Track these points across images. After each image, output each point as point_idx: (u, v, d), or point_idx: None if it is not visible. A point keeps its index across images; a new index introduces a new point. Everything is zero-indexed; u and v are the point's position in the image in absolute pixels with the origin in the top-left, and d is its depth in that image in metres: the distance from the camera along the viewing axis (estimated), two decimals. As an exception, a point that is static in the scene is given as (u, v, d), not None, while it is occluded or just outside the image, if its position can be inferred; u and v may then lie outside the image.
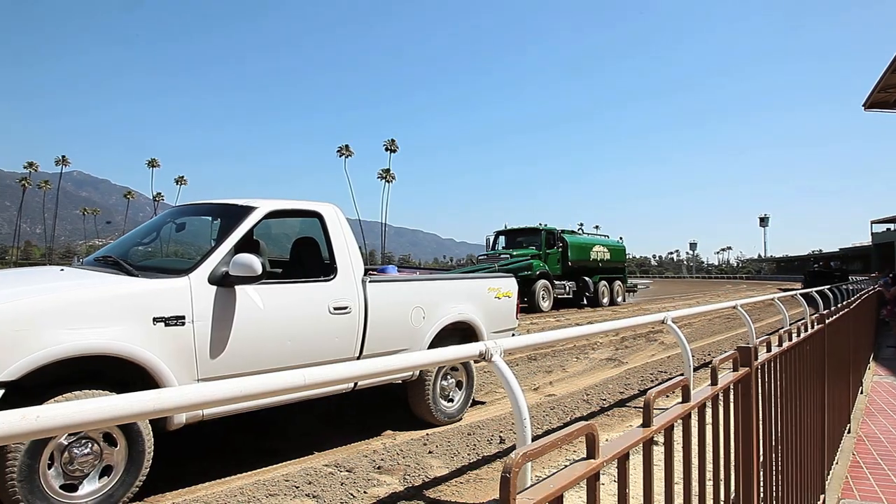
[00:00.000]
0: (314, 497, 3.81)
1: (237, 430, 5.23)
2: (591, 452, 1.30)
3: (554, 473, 1.18)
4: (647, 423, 1.57)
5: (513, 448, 4.82)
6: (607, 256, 26.94)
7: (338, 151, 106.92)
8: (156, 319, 3.54)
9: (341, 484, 4.03)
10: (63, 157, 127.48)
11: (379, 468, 4.37)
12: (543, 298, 21.79)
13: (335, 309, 4.48)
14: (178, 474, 4.11)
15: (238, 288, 3.94)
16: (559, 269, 23.65)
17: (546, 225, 24.60)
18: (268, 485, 3.96)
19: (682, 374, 7.88)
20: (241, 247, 4.12)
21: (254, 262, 3.79)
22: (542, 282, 21.71)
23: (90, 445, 3.34)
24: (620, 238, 29.98)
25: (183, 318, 3.65)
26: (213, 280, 3.84)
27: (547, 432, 5.39)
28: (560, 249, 23.89)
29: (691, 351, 6.72)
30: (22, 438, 1.98)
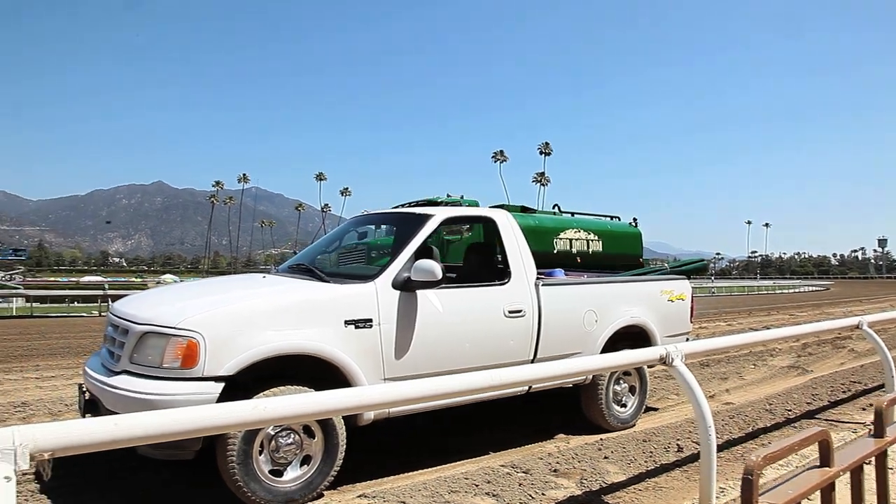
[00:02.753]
0: (494, 496, 3.89)
1: (415, 429, 5.46)
2: (826, 460, 1.24)
3: (789, 479, 1.15)
4: (879, 434, 1.47)
5: (692, 457, 4.64)
6: (597, 247, 20.58)
7: (493, 157, 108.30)
8: (347, 322, 3.80)
9: (519, 485, 4.08)
10: (244, 175, 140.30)
11: (555, 471, 4.37)
12: None
13: (510, 312, 4.56)
14: (366, 467, 4.37)
15: (419, 292, 4.13)
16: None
17: (455, 196, 18.52)
18: (449, 482, 4.10)
19: (881, 386, 7.17)
20: (419, 253, 4.32)
21: (434, 268, 3.97)
22: None
23: (293, 436, 3.65)
24: (633, 221, 23.71)
25: (370, 320, 3.89)
26: (396, 285, 4.06)
27: (728, 442, 5.13)
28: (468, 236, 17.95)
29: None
30: (254, 426, 2.25)
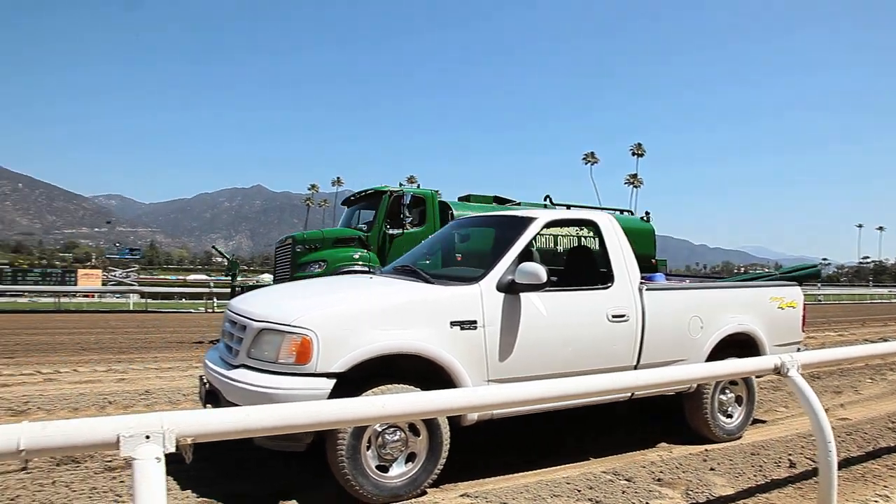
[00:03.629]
0: (597, 502, 3.85)
1: (515, 431, 5.47)
2: None
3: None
4: None
5: (806, 474, 4.43)
6: (594, 245, 11.01)
7: (583, 159, 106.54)
8: (453, 323, 3.87)
9: (622, 492, 4.02)
10: (338, 178, 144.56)
11: (659, 480, 4.28)
12: None
13: (613, 317, 4.50)
14: (468, 467, 4.42)
15: (522, 295, 4.15)
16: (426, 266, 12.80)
17: (412, 188, 13.47)
18: (550, 486, 4.09)
19: None
20: (522, 256, 4.34)
21: (539, 271, 3.97)
22: None
23: (399, 433, 3.74)
24: (646, 215, 15.83)
25: (475, 322, 3.94)
26: (500, 287, 4.09)
27: (847, 461, 4.84)
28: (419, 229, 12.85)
29: None
30: (376, 422, 2.35)
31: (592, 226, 4.84)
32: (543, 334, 4.21)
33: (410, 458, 3.81)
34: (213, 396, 3.97)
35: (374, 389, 3.65)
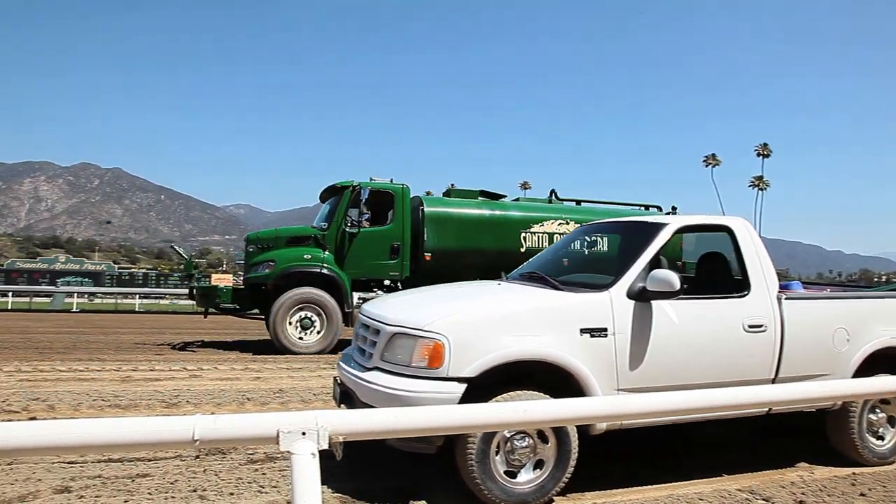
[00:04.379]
0: (735, 521, 3.70)
1: (643, 442, 5.33)
2: None
3: None
4: None
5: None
6: (602, 246, 9.30)
7: (704, 161, 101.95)
8: (583, 331, 3.84)
9: (762, 512, 3.83)
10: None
11: (801, 503, 4.03)
12: (305, 329, 11.26)
13: (749, 327, 4.30)
14: (596, 477, 4.35)
15: (654, 303, 4.05)
16: (394, 270, 11.89)
17: (383, 181, 12.24)
18: (681, 501, 3.96)
19: None
20: (652, 263, 4.24)
21: (672, 278, 3.87)
22: (298, 292, 11.18)
23: (527, 440, 3.75)
24: (672, 211, 13.26)
25: (605, 330, 3.89)
26: (631, 295, 4.02)
27: None
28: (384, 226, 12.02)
29: None
30: (516, 427, 2.40)
31: (727, 231, 4.65)
32: (675, 344, 4.10)
33: (538, 464, 3.81)
34: (347, 397, 4.15)
35: (503, 395, 3.68)
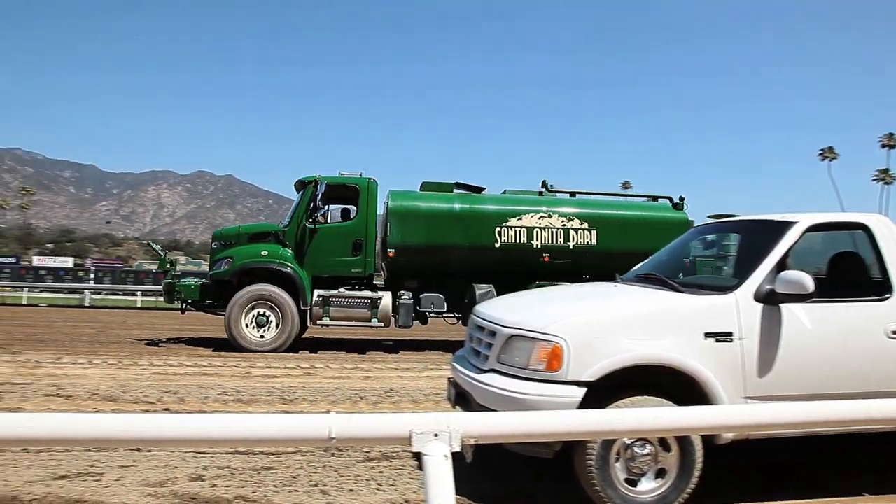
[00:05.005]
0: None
1: (773, 453, 5.04)
2: None
3: None
4: None
5: None
6: (587, 240, 11.91)
7: (819, 154, 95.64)
8: (707, 335, 3.67)
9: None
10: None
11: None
12: (261, 327, 11.13)
13: (893, 333, 3.98)
14: (721, 488, 4.15)
15: (783, 306, 3.82)
16: (356, 267, 11.55)
17: (353, 174, 12.11)
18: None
19: None
20: (780, 264, 4.00)
21: (805, 280, 3.63)
22: (253, 289, 11.09)
23: (648, 447, 3.62)
24: (679, 202, 12.54)
25: (731, 334, 3.70)
26: (758, 297, 3.80)
27: None
28: (346, 221, 11.93)
29: None
30: (644, 435, 2.34)
31: (863, 229, 4.32)
32: (808, 350, 3.84)
33: (660, 473, 3.67)
34: (463, 398, 4.16)
35: (623, 401, 3.58)
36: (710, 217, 12.26)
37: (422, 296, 11.61)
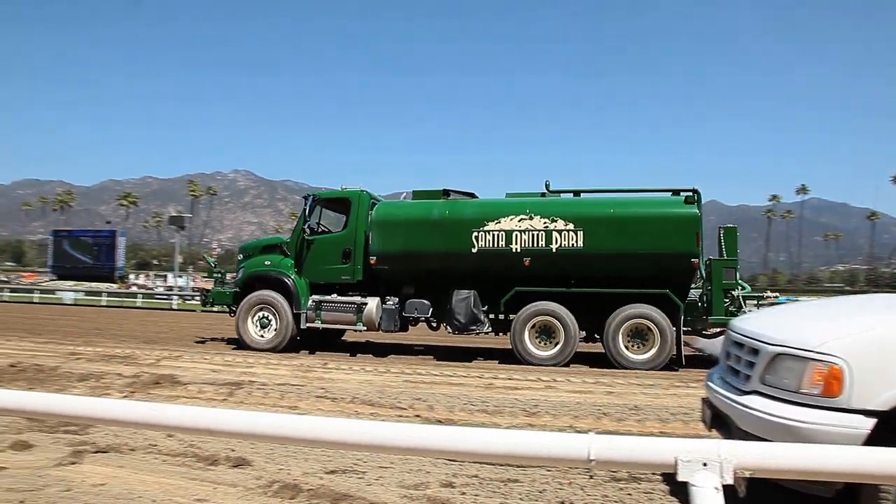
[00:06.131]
0: None
1: None
2: None
3: None
4: None
5: None
6: (573, 242, 11.01)
7: None
8: None
9: None
10: (802, 186, 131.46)
11: None
12: (264, 328, 12.48)
13: None
14: None
15: None
16: (346, 274, 12.43)
17: (346, 188, 13.23)
18: None
19: None
20: None
21: None
22: (255, 295, 12.56)
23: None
24: (692, 195, 10.99)
25: None
26: None
27: None
28: (338, 232, 12.86)
29: None
30: None
31: None
32: None
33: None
34: (720, 422, 3.83)
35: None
36: None
37: (407, 301, 12.14)
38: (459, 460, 4.69)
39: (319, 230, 12.90)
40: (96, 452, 4.82)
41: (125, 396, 7.02)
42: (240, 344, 12.68)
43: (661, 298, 10.74)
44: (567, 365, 10.97)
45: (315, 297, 12.41)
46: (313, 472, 4.46)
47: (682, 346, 10.98)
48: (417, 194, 12.97)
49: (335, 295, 12.37)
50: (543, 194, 12.21)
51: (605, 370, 10.43)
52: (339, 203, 13.00)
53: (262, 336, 12.50)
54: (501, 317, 11.94)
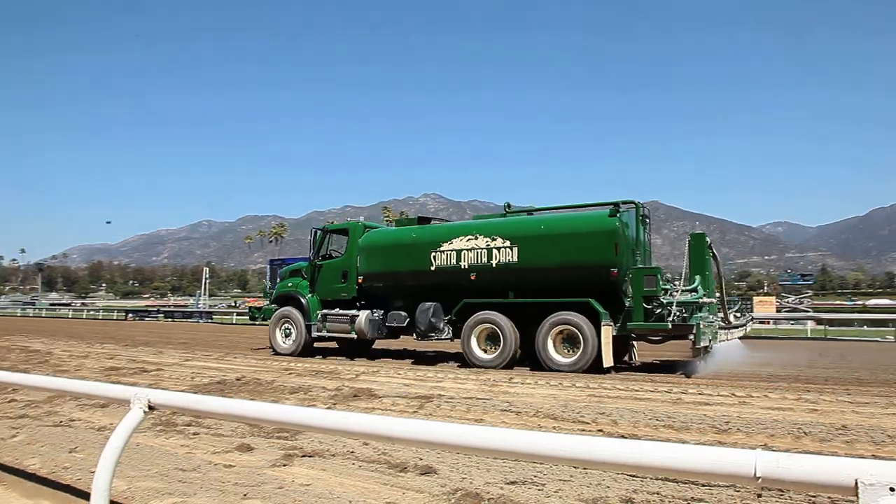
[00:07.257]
0: None
1: None
2: None
3: None
4: None
5: None
6: (508, 258, 12.54)
7: None
8: None
9: None
10: None
11: None
12: (287, 337, 15.36)
13: None
14: None
15: None
16: (344, 292, 14.82)
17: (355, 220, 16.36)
18: None
19: None
20: None
21: None
22: (280, 310, 15.61)
23: None
24: (614, 208, 11.88)
25: None
26: None
27: None
28: (339, 257, 15.32)
29: None
30: None
31: None
32: None
33: None
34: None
35: None
36: None
37: (389, 313, 14.08)
38: (614, 472, 4.61)
39: (329, 255, 15.39)
40: (303, 456, 5.38)
41: (328, 407, 7.69)
42: (273, 350, 15.40)
43: (585, 306, 11.52)
44: (511, 367, 12.07)
45: (323, 311, 14.77)
46: (494, 482, 4.61)
47: (607, 350, 11.22)
48: (399, 222, 16.48)
49: (337, 309, 14.61)
50: (504, 214, 13.85)
51: (810, 385, 9.54)
52: (342, 233, 15.45)
53: (285, 343, 15.16)
54: (461, 325, 13.09)
